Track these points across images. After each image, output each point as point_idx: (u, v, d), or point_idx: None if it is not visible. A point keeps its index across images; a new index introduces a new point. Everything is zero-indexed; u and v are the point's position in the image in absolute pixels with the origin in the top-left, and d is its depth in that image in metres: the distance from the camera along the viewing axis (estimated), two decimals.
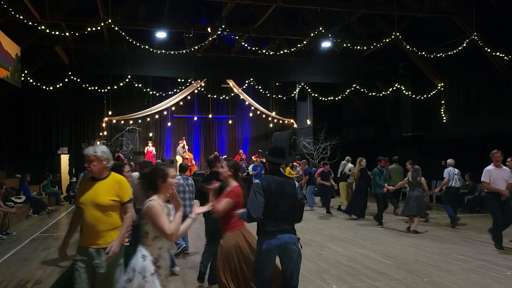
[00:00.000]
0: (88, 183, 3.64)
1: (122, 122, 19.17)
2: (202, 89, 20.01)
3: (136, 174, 5.74)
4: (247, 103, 20.83)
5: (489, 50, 12.66)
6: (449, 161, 10.55)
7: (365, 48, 14.91)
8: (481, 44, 12.72)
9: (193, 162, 19.14)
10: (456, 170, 10.31)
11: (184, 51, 13.61)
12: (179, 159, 17.80)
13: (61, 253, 3.75)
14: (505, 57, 12.45)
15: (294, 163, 14.71)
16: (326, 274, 6.12)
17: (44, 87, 16.56)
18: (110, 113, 18.61)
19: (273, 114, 21.09)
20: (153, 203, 3.14)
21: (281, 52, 15.47)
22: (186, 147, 19.08)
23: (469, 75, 14.35)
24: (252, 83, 20.09)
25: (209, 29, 13.68)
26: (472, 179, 13.03)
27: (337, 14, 14.46)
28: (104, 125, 18.87)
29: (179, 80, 19.08)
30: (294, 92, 19.49)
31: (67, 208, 14.69)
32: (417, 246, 7.95)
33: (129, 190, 3.73)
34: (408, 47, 13.74)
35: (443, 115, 15.09)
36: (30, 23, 12.25)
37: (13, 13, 11.59)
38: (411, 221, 9.44)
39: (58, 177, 17.21)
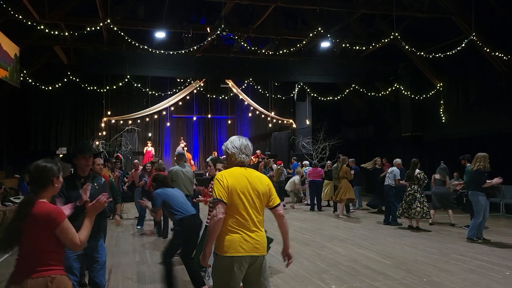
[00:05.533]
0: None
1: (121, 122, 19.15)
2: (201, 89, 19.98)
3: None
4: (246, 103, 20.83)
5: (488, 50, 12.64)
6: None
7: (364, 48, 14.90)
8: (480, 44, 12.70)
9: (192, 162, 19.11)
10: (393, 169, 10.51)
11: (183, 51, 13.58)
12: None
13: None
14: (505, 57, 12.42)
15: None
16: (325, 274, 6.12)
17: (43, 87, 16.55)
18: (109, 113, 18.59)
19: (272, 114, 21.07)
20: None
21: (280, 52, 15.45)
22: (186, 148, 19.07)
23: (468, 75, 14.34)
24: (251, 83, 20.08)
25: (208, 29, 13.65)
26: None
27: (337, 14, 14.44)
28: (103, 125, 18.84)
29: (178, 80, 19.07)
30: (293, 92, 19.50)
31: None
32: (416, 246, 7.95)
33: None
34: (407, 47, 13.72)
35: (442, 115, 15.09)
36: (29, 23, 12.20)
37: (12, 13, 11.56)
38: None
39: None
